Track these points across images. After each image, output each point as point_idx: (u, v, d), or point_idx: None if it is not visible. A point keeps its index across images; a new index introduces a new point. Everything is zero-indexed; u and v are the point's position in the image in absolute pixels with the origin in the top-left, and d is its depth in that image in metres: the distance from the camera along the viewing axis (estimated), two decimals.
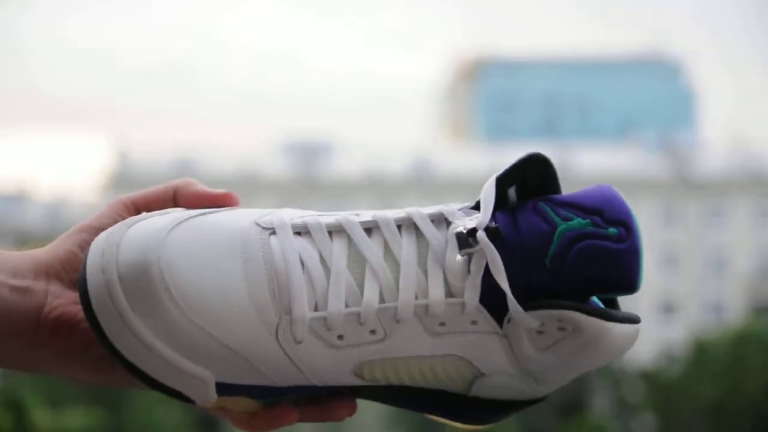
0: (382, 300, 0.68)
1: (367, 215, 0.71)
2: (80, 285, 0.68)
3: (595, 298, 0.71)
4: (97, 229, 0.73)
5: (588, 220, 0.68)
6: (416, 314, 0.69)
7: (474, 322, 0.69)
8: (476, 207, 0.70)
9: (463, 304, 0.68)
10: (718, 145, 40.98)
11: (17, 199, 40.28)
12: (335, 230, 0.70)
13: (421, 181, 38.64)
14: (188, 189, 0.75)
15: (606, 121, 54.23)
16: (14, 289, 0.70)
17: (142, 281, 0.67)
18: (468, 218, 0.69)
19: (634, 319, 0.70)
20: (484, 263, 0.68)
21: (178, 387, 0.68)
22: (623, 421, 22.74)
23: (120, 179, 37.08)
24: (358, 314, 0.68)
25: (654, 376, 22.45)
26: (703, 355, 21.19)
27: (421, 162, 39.14)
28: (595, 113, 55.02)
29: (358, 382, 0.71)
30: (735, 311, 31.36)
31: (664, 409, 21.24)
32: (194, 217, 0.70)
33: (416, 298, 0.68)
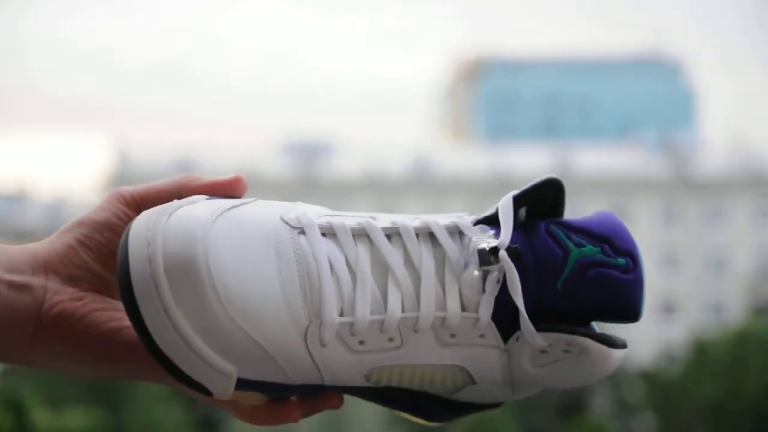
0: (403, 309, 0.70)
1: (385, 220, 0.73)
2: (122, 273, 0.67)
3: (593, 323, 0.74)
4: (97, 223, 0.72)
5: (599, 248, 0.71)
6: (433, 325, 0.71)
7: (482, 336, 0.71)
8: (487, 221, 0.73)
9: (477, 319, 0.71)
10: (718, 145, 41.02)
11: (17, 199, 40.29)
12: (358, 234, 0.71)
13: (421, 181, 38.64)
14: (194, 185, 0.74)
15: (606, 121, 54.23)
16: (12, 285, 0.70)
17: (189, 276, 0.67)
18: (485, 235, 0.71)
19: (625, 344, 0.74)
20: (500, 281, 0.70)
21: (201, 380, 0.69)
22: (623, 421, 22.74)
23: (120, 179, 37.08)
24: (382, 322, 0.70)
25: (654, 376, 22.45)
26: (703, 355, 21.19)
27: (421, 162, 39.13)
28: (595, 113, 55.02)
29: (364, 383, 0.72)
30: (735, 311, 31.36)
31: (664, 409, 21.24)
32: (230, 209, 0.70)
33: (435, 309, 0.70)
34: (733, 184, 37.14)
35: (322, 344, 0.69)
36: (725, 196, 36.98)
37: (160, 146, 40.98)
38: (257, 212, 0.71)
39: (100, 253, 0.72)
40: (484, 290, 0.70)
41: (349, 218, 0.72)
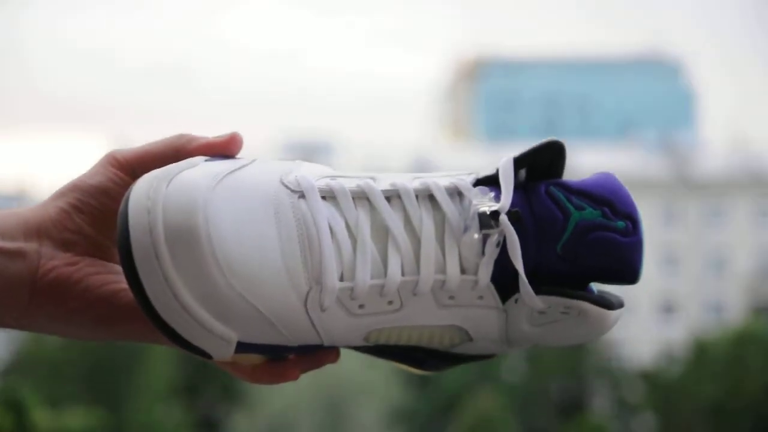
0: (403, 273, 0.71)
1: (384, 182, 0.72)
2: (123, 241, 0.67)
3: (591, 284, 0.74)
4: (91, 187, 0.72)
5: (599, 211, 0.71)
6: (432, 288, 0.71)
7: (480, 297, 0.72)
8: (486, 181, 0.73)
9: (476, 282, 0.71)
10: (718, 145, 41.02)
11: (17, 199, 40.29)
12: (358, 197, 0.72)
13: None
14: (191, 146, 0.73)
15: (606, 121, 54.22)
16: (3, 251, 0.69)
17: (190, 244, 0.67)
18: (485, 197, 0.71)
19: (623, 304, 0.74)
20: (499, 244, 0.70)
21: (201, 345, 0.69)
22: (623, 421, 22.75)
23: None
24: (382, 286, 0.70)
25: (654, 376, 22.46)
26: (703, 355, 21.19)
27: (421, 162, 39.13)
28: (595, 113, 55.02)
29: (362, 344, 0.73)
30: (735, 311, 31.34)
31: (664, 409, 21.24)
32: (230, 173, 0.70)
33: (435, 272, 0.71)
34: (733, 184, 37.13)
35: (322, 309, 0.70)
36: (725, 196, 36.98)
37: None
38: (257, 176, 0.71)
39: (94, 217, 0.72)
40: (483, 253, 0.71)
41: (349, 180, 0.72)
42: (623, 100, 54.57)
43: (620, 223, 0.71)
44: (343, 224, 0.70)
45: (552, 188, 0.73)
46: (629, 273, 0.72)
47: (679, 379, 21.34)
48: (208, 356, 0.70)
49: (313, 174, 0.72)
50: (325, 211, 0.70)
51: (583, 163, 37.91)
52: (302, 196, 0.70)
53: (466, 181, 0.73)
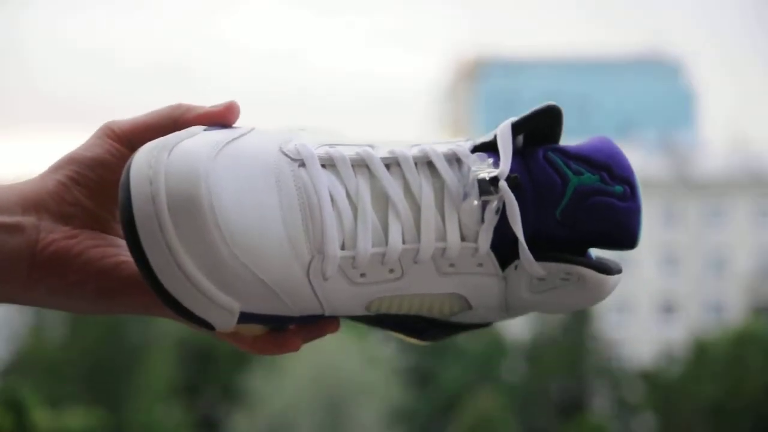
0: (404, 241, 0.71)
1: (383, 149, 0.72)
2: (125, 212, 0.66)
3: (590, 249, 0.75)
4: (89, 159, 0.71)
5: (597, 176, 0.71)
6: (433, 256, 0.71)
7: (480, 265, 0.72)
8: (484, 147, 0.74)
9: (476, 249, 0.71)
10: (718, 145, 41.01)
11: None
12: (357, 164, 0.71)
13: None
14: (188, 116, 0.73)
15: (606, 121, 54.21)
16: (2, 226, 0.68)
17: (193, 214, 0.66)
18: (484, 163, 0.72)
19: (621, 269, 0.73)
20: (499, 211, 0.70)
21: (204, 315, 0.68)
22: (623, 421, 22.74)
23: None
24: (383, 255, 0.70)
25: (654, 376, 22.46)
26: (703, 355, 21.19)
27: None
28: (595, 113, 55.00)
29: (363, 313, 0.73)
30: (735, 311, 31.33)
31: (664, 409, 21.24)
32: (230, 142, 0.69)
33: (435, 240, 0.71)
34: (733, 184, 37.13)
35: (324, 278, 0.69)
36: (725, 196, 36.97)
37: None
38: (257, 145, 0.70)
39: (92, 190, 0.71)
40: (483, 220, 0.71)
41: (348, 148, 0.72)
42: (623, 100, 54.57)
43: (618, 188, 0.71)
44: (343, 192, 0.70)
45: (550, 153, 0.72)
46: (628, 238, 0.71)
47: (679, 379, 21.34)
48: (211, 327, 0.69)
49: (313, 142, 0.72)
50: (326, 180, 0.70)
51: None
52: (302, 164, 0.70)
53: (464, 147, 0.73)
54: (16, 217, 0.69)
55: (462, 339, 23.13)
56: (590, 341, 23.43)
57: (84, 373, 18.45)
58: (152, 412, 18.15)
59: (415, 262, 0.71)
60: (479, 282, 0.73)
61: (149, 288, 0.67)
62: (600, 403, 23.21)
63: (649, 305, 35.40)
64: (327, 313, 0.72)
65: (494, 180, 0.70)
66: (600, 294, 0.73)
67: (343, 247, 0.69)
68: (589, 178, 0.71)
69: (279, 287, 0.69)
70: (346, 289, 0.71)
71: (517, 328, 25.14)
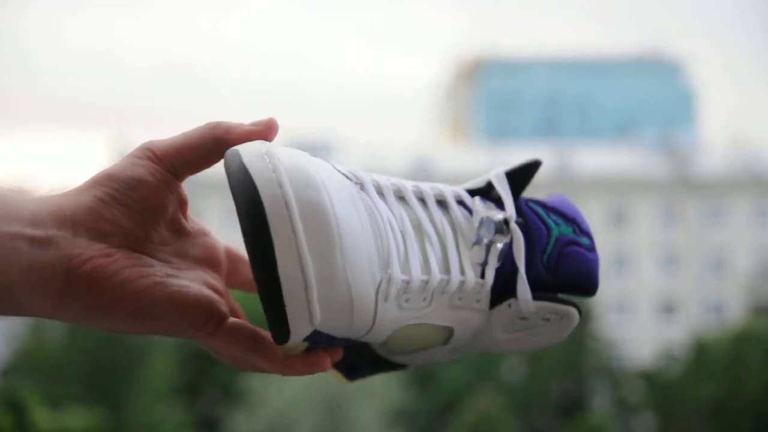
0: (439, 271, 0.73)
1: (407, 185, 0.75)
2: (255, 213, 0.66)
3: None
4: (131, 179, 0.70)
5: (571, 228, 0.77)
6: (455, 289, 0.74)
7: (478, 301, 0.75)
8: (476, 192, 0.78)
9: (482, 286, 0.74)
10: (718, 145, 40.94)
11: None
12: (397, 196, 0.74)
13: (421, 180, 38.59)
14: (231, 136, 0.72)
15: (606, 121, 54.20)
16: (34, 240, 0.66)
17: (322, 223, 0.67)
18: (486, 207, 0.75)
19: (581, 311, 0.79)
20: (502, 251, 0.74)
21: (294, 325, 0.68)
22: (623, 421, 22.74)
23: None
24: (426, 283, 0.72)
25: (654, 376, 22.45)
26: (703, 355, 21.19)
27: (421, 162, 39.14)
28: (595, 113, 54.99)
29: (383, 340, 0.74)
30: (735, 311, 31.34)
31: (664, 409, 21.24)
32: (315, 158, 0.71)
33: (459, 274, 0.74)
34: (733, 184, 37.13)
35: (385, 300, 0.70)
36: (725, 196, 36.97)
37: None
38: (322, 162, 0.71)
39: (132, 209, 0.70)
40: (487, 259, 0.74)
41: (384, 179, 0.74)
42: (623, 100, 54.55)
43: (585, 240, 0.76)
44: (394, 219, 0.72)
45: (531, 204, 0.77)
46: (593, 286, 0.77)
47: (679, 379, 21.33)
48: (284, 340, 0.68)
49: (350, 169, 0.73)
50: (382, 206, 0.72)
51: (583, 163, 38.00)
52: (362, 187, 0.72)
53: (463, 191, 0.77)
54: (50, 230, 0.67)
55: None
56: (590, 341, 23.43)
57: (84, 373, 18.45)
58: (152, 412, 18.14)
59: (442, 293, 0.73)
60: (470, 317, 0.75)
61: (261, 285, 0.67)
62: (600, 403, 23.21)
63: (649, 305, 35.40)
64: (363, 338, 0.72)
65: (506, 222, 0.74)
66: (568, 332, 0.78)
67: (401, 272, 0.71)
68: (566, 229, 0.76)
69: (358, 305, 0.69)
70: (394, 313, 0.72)
71: None
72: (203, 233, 0.78)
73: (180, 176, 0.73)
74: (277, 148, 0.68)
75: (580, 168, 37.19)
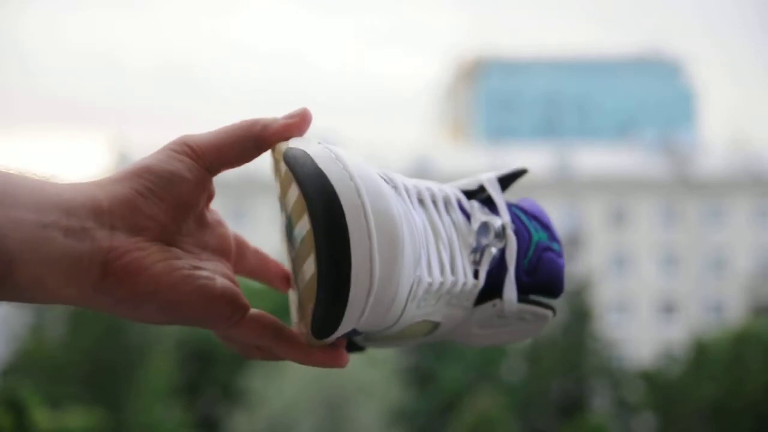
0: (451, 273, 0.76)
1: (422, 188, 0.77)
2: (334, 215, 0.68)
3: None
4: (170, 173, 0.71)
5: (546, 234, 0.80)
6: (460, 290, 0.77)
7: (468, 300, 0.78)
8: (469, 194, 0.80)
9: (475, 286, 0.77)
10: (718, 145, 40.93)
11: None
12: (418, 199, 0.76)
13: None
14: (269, 132, 0.74)
15: (606, 121, 54.20)
16: (69, 230, 0.66)
17: (393, 233, 0.69)
18: (482, 211, 0.78)
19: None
20: (494, 254, 0.77)
21: (343, 324, 0.70)
22: (623, 421, 22.74)
23: None
24: (442, 284, 0.75)
25: (654, 376, 22.45)
26: (703, 355, 21.19)
27: (421, 162, 39.13)
28: (595, 113, 54.99)
29: (393, 333, 0.77)
30: (735, 311, 31.34)
31: (664, 409, 21.24)
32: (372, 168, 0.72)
33: (463, 276, 0.76)
34: (733, 184, 37.13)
35: (413, 300, 0.73)
36: (725, 196, 36.97)
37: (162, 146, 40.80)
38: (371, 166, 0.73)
39: (169, 204, 0.71)
40: (481, 261, 0.77)
41: (404, 180, 0.76)
42: (623, 100, 54.55)
43: (556, 246, 0.80)
44: (421, 222, 0.74)
45: (513, 208, 0.80)
46: (561, 289, 0.80)
47: (679, 379, 21.33)
48: (328, 335, 0.71)
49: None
50: (411, 206, 0.74)
51: (583, 163, 38.01)
52: (396, 190, 0.74)
53: (461, 194, 0.79)
54: (86, 222, 0.67)
55: None
56: (590, 341, 23.43)
57: (84, 373, 18.45)
58: (152, 412, 18.14)
59: (447, 294, 0.76)
60: (456, 314, 0.78)
61: (326, 284, 0.68)
62: (600, 403, 23.21)
63: (649, 305, 35.40)
64: (380, 333, 0.75)
65: (503, 227, 0.78)
66: (540, 332, 0.82)
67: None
68: (543, 235, 0.80)
69: (395, 305, 0.71)
70: (413, 312, 0.74)
71: None
72: (220, 224, 0.79)
73: (215, 172, 0.74)
74: (341, 150, 0.71)
75: (580, 168, 37.19)
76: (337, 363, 0.75)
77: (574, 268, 24.91)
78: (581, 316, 23.34)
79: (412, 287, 0.72)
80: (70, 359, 18.52)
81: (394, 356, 21.58)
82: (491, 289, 0.78)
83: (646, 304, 35.24)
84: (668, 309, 35.72)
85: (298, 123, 0.74)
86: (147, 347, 18.76)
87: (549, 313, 0.80)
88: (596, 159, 38.28)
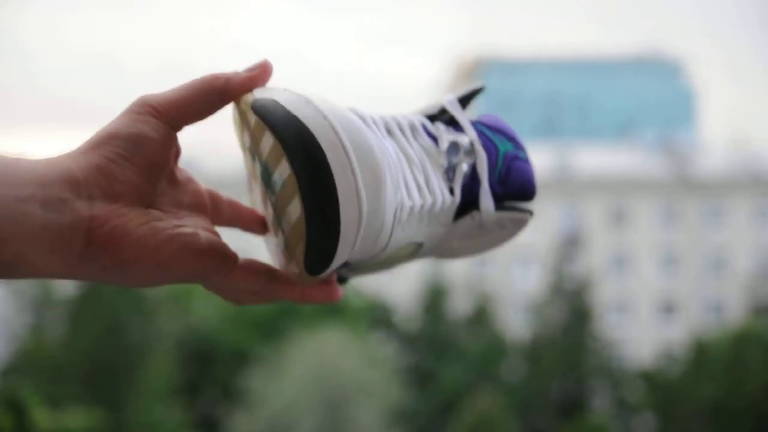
0: (429, 194, 0.79)
1: (388, 118, 0.79)
2: (315, 157, 0.69)
3: None
4: (137, 136, 0.71)
5: (512, 144, 0.84)
6: (439, 209, 0.80)
7: (447, 217, 0.81)
8: (432, 118, 0.83)
9: (453, 203, 0.80)
10: (718, 145, 40.95)
11: None
12: (386, 129, 0.79)
13: None
14: (232, 85, 0.74)
15: (606, 121, 54.19)
16: (47, 203, 0.67)
17: (373, 166, 0.71)
18: (447, 132, 0.81)
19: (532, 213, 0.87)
20: (466, 170, 0.81)
21: (337, 260, 0.72)
22: (623, 421, 22.74)
23: None
24: (422, 205, 0.78)
25: (654, 376, 22.46)
26: (703, 355, 21.19)
27: None
28: (595, 113, 54.98)
29: (380, 260, 0.79)
30: (735, 311, 31.34)
31: (664, 409, 21.24)
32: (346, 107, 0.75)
33: (440, 195, 0.79)
34: (733, 184, 37.12)
35: (399, 224, 0.76)
36: (725, 196, 36.97)
37: None
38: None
39: (140, 167, 0.71)
40: (454, 179, 0.80)
41: (368, 112, 0.78)
42: (623, 100, 54.55)
43: (522, 154, 0.84)
44: (392, 150, 0.77)
45: (477, 125, 0.83)
46: (534, 191, 0.84)
47: (679, 379, 21.34)
48: (321, 271, 0.73)
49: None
50: (383, 138, 0.77)
51: (583, 163, 37.99)
52: (365, 122, 0.75)
53: (425, 118, 0.82)
54: (62, 193, 0.67)
55: (462, 339, 23.14)
56: (590, 341, 23.43)
57: (84, 373, 18.44)
58: (152, 412, 18.14)
59: (428, 214, 0.78)
60: (436, 232, 0.81)
61: (315, 224, 0.70)
62: (600, 403, 23.21)
63: (649, 305, 35.38)
64: (369, 261, 0.77)
65: (471, 144, 0.81)
66: (519, 234, 0.87)
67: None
68: (508, 145, 0.83)
69: (383, 232, 0.73)
70: (398, 237, 0.77)
71: (516, 329, 25.14)
72: (191, 180, 0.80)
73: (178, 128, 0.75)
74: (309, 94, 0.73)
75: (580, 168, 37.18)
76: (332, 297, 0.78)
77: (574, 268, 24.92)
78: (581, 316, 23.35)
79: (396, 213, 0.74)
80: (70, 359, 18.52)
81: (394, 356, 21.58)
82: (468, 204, 0.81)
83: (646, 304, 35.23)
84: (668, 309, 35.72)
85: (260, 74, 0.75)
86: (147, 347, 18.76)
87: (527, 215, 0.84)
88: (596, 159, 38.27)
